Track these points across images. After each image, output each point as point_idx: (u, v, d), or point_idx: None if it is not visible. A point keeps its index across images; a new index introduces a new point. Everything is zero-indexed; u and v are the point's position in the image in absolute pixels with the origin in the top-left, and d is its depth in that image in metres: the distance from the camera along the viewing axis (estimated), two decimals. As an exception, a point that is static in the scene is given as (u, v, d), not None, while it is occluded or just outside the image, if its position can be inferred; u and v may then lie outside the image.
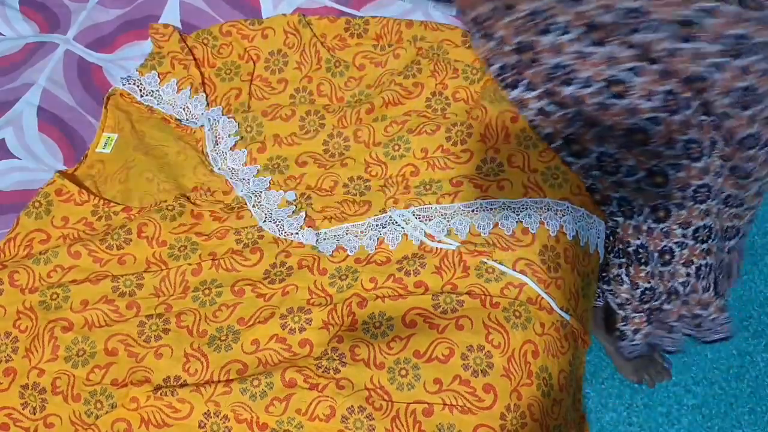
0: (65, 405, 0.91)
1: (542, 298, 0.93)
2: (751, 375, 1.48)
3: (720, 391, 1.47)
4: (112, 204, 1.04)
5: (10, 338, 0.95)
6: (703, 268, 1.10)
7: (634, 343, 1.18)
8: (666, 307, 1.13)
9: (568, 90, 1.01)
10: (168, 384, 0.90)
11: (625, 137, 1.02)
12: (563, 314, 0.95)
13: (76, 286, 0.97)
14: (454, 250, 0.96)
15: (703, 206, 1.02)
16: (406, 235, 0.99)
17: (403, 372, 0.87)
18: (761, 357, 1.50)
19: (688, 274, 1.09)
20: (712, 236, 1.08)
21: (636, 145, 1.02)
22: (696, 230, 1.04)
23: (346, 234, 1.00)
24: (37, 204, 1.03)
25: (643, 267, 1.10)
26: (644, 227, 1.07)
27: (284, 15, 1.16)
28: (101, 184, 1.07)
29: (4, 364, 0.94)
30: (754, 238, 1.64)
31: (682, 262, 1.08)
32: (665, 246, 1.07)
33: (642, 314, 1.15)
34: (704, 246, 1.06)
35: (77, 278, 0.98)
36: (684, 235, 1.04)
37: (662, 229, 1.06)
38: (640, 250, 1.09)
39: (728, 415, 1.44)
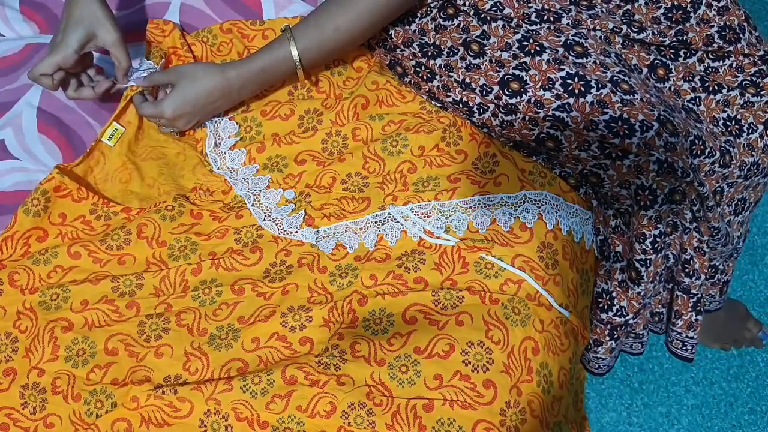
0: (65, 405, 0.90)
1: (541, 294, 0.93)
2: (751, 375, 1.48)
3: (720, 391, 1.47)
4: (111, 204, 1.04)
5: (10, 338, 0.95)
6: (664, 272, 1.09)
7: (597, 356, 1.14)
8: (632, 322, 1.11)
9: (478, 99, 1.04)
10: (168, 383, 0.90)
11: (537, 144, 1.02)
12: (562, 311, 0.95)
13: (76, 286, 0.97)
14: (453, 246, 0.96)
15: (650, 212, 1.00)
16: (405, 232, 0.99)
17: (404, 368, 0.87)
18: (761, 357, 1.50)
19: (654, 287, 1.08)
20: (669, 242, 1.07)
21: (551, 151, 1.02)
22: (653, 241, 1.01)
23: (345, 231, 1.00)
24: (35, 201, 1.02)
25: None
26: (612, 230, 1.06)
27: (286, 18, 1.17)
28: (101, 181, 1.07)
29: (4, 364, 0.94)
30: (754, 238, 1.64)
31: (650, 280, 1.05)
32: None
33: (602, 326, 1.12)
34: (663, 252, 1.04)
35: (77, 278, 0.98)
36: (644, 251, 1.02)
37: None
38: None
39: (728, 415, 1.44)
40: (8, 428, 0.90)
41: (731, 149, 1.05)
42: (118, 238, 1.00)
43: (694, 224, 1.05)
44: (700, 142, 1.01)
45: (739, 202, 1.11)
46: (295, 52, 1.01)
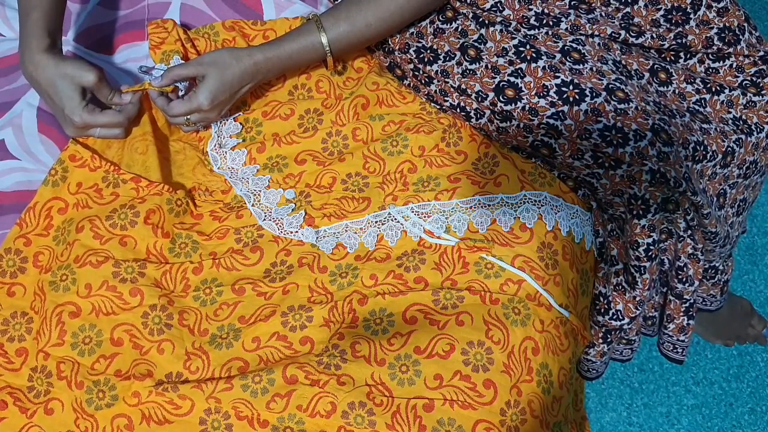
0: (69, 391, 0.90)
1: (541, 294, 0.93)
2: (751, 375, 1.48)
3: (720, 391, 1.47)
4: (122, 171, 1.03)
5: (26, 318, 0.95)
6: (659, 277, 1.09)
7: (588, 357, 1.14)
8: (626, 327, 1.11)
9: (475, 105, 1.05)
10: (170, 380, 0.90)
11: (533, 150, 1.02)
12: (562, 311, 0.95)
13: (79, 268, 0.96)
14: (453, 246, 0.96)
15: (642, 221, 1.00)
16: (405, 232, 0.99)
17: (404, 368, 0.87)
18: (761, 357, 1.50)
19: (650, 293, 1.07)
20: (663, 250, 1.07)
21: (546, 158, 1.03)
22: (647, 249, 1.01)
23: (346, 231, 1.00)
24: (53, 172, 1.02)
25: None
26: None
27: (287, 19, 1.17)
28: (123, 146, 1.06)
29: (17, 343, 0.94)
30: (754, 238, 1.64)
31: (646, 287, 1.05)
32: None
33: (597, 328, 1.12)
34: (657, 259, 1.04)
35: (78, 253, 0.97)
36: (637, 257, 1.02)
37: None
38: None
39: (728, 415, 1.44)
40: (6, 406, 0.90)
41: (738, 149, 1.04)
42: (125, 218, 0.99)
43: (689, 232, 1.05)
44: (702, 148, 1.01)
45: (741, 203, 1.12)
46: (325, 41, 1.02)
